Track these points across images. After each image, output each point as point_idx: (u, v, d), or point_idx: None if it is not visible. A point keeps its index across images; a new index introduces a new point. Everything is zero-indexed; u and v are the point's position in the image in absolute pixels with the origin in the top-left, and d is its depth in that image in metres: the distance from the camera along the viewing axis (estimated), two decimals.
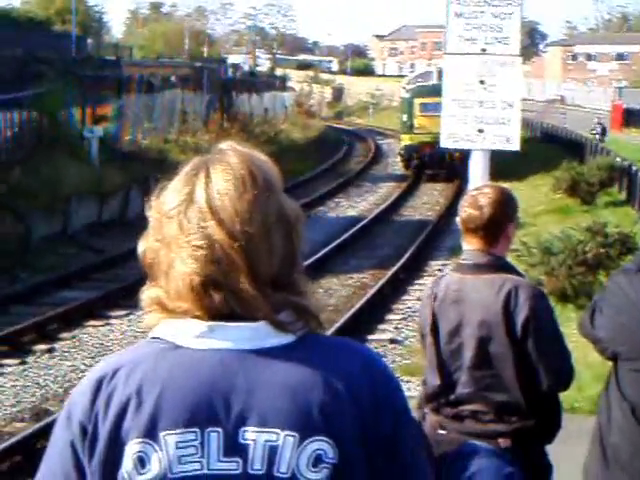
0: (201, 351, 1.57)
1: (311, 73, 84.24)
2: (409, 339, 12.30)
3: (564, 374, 3.73)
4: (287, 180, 1.75)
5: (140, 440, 1.55)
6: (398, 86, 50.43)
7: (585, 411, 7.16)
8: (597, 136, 35.71)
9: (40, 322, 12.73)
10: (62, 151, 21.15)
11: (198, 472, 1.54)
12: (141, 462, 1.54)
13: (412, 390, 8.57)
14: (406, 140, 33.33)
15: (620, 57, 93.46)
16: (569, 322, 8.36)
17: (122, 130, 26.88)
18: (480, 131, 6.53)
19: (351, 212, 25.59)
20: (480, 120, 6.54)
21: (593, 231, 13.00)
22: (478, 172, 6.54)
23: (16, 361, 11.41)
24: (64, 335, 12.63)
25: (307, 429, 1.54)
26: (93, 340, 12.48)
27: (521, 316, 3.64)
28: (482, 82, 6.50)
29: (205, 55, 56.24)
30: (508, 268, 3.86)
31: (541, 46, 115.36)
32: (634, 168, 23.24)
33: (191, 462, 1.54)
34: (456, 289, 3.80)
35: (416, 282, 15.97)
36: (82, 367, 11.26)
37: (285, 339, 1.59)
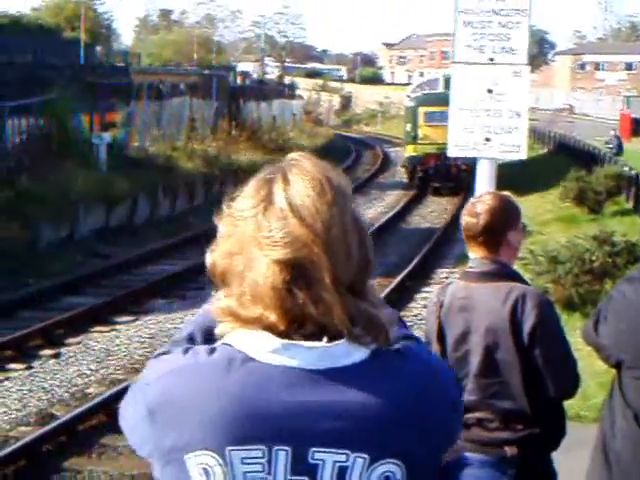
0: (273, 367, 1.53)
1: (320, 81, 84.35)
2: None
3: (570, 382, 3.73)
4: None
5: (204, 453, 1.52)
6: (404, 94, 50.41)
7: (590, 419, 7.14)
8: (613, 150, 33.84)
9: (46, 327, 12.75)
10: (70, 157, 21.20)
11: None
12: (206, 474, 1.52)
13: None
14: (410, 151, 31.34)
15: (629, 67, 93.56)
16: (575, 331, 8.32)
17: (130, 137, 26.95)
18: (487, 140, 6.54)
19: None
20: (487, 129, 6.55)
21: (600, 240, 12.99)
22: (484, 181, 6.54)
23: (22, 366, 11.42)
24: (70, 340, 12.64)
25: (377, 450, 1.53)
26: (99, 345, 12.49)
27: (528, 324, 3.63)
28: (490, 91, 6.51)
29: (214, 63, 56.31)
30: (514, 276, 3.85)
31: (550, 55, 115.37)
32: None
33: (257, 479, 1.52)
34: (462, 297, 3.80)
35: (422, 290, 15.97)
36: (88, 372, 11.28)
37: (358, 356, 1.56)
